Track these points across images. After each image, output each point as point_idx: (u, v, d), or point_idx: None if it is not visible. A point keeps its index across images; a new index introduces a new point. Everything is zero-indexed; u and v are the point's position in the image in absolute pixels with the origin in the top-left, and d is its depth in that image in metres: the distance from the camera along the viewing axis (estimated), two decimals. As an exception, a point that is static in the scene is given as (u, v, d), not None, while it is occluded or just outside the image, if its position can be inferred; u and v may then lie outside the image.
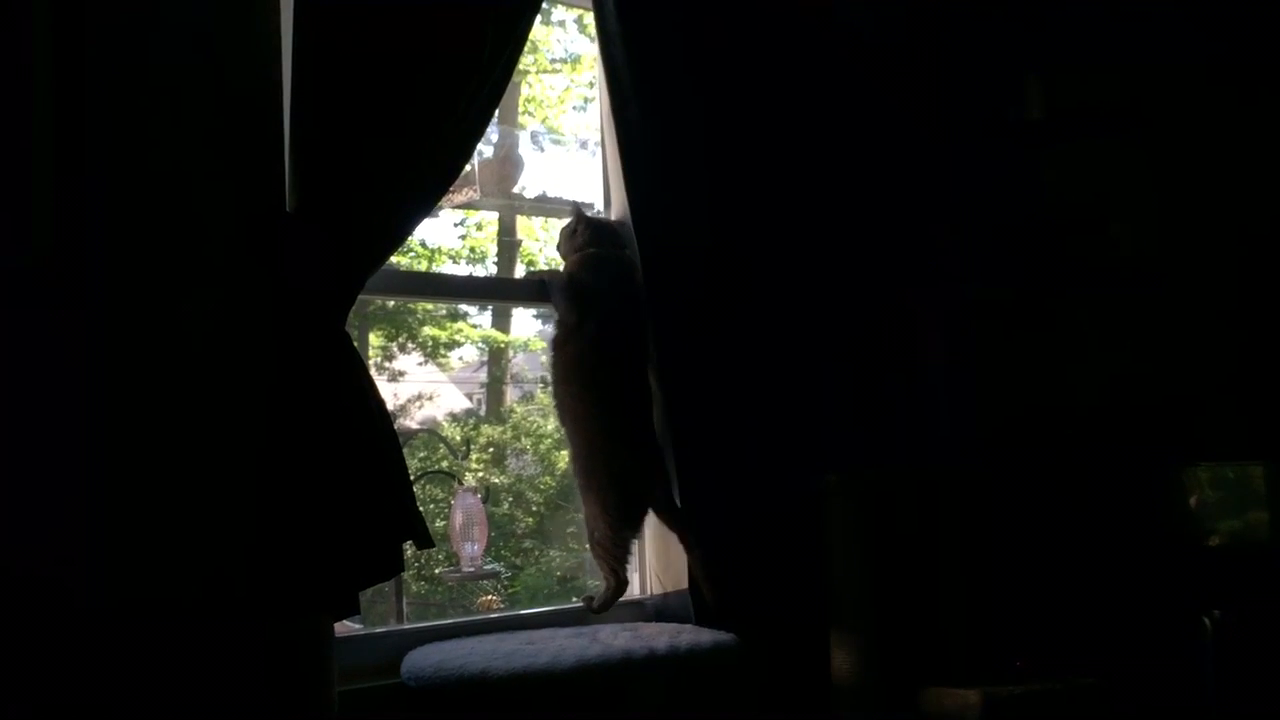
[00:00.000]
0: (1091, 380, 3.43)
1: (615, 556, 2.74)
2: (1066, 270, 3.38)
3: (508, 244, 4.01)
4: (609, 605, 2.77)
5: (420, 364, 4.34)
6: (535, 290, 2.92)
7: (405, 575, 2.54)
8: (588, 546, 2.80)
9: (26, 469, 1.99)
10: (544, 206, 3.00)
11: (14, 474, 1.97)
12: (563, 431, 2.80)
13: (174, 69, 2.19)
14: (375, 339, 4.04)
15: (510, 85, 2.61)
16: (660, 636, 2.48)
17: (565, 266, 2.82)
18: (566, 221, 2.87)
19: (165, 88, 2.18)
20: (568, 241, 2.84)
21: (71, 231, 2.04)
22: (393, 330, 4.18)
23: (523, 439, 4.13)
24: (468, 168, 2.65)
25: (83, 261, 2.06)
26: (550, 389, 2.80)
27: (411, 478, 2.37)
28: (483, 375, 4.61)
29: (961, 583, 2.81)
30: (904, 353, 3.35)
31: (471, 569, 2.75)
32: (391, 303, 3.85)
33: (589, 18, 2.94)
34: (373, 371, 2.35)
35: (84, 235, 2.06)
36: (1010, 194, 3.47)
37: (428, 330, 4.27)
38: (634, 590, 2.98)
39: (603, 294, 2.74)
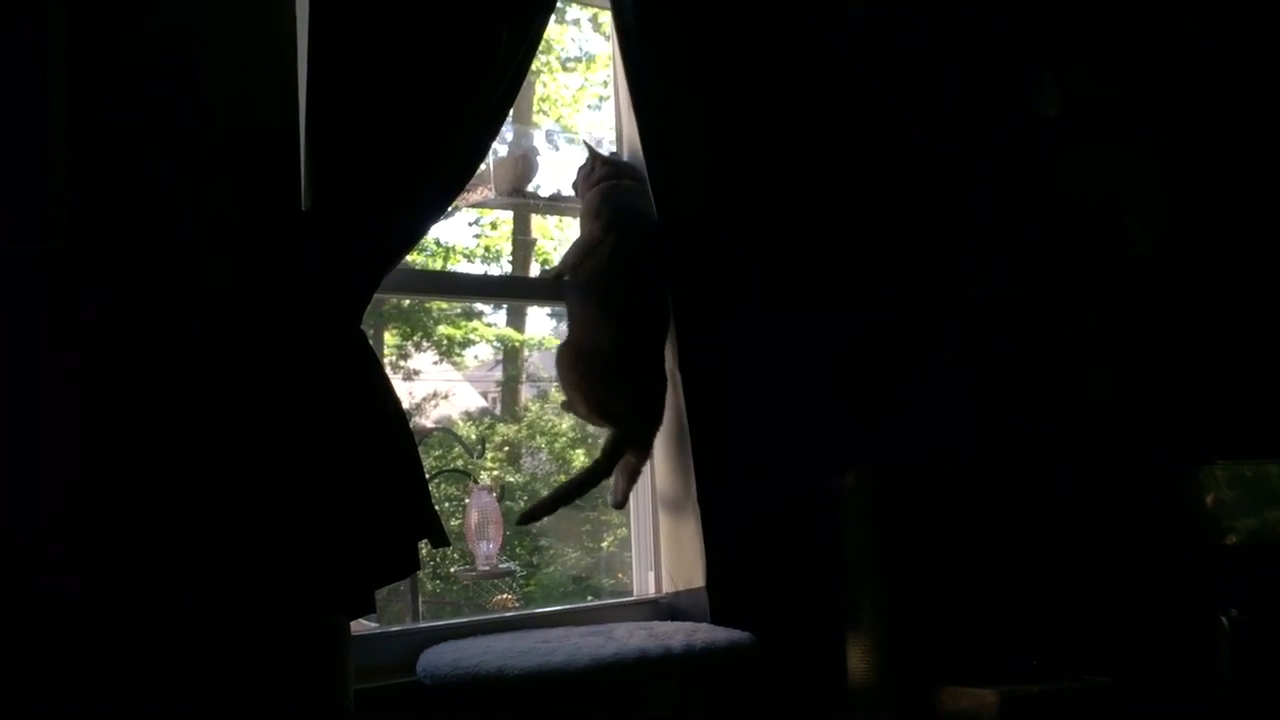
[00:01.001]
0: (1106, 380, 3.42)
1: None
2: (1080, 270, 3.36)
3: (522, 243, 4.01)
4: None
5: (435, 363, 4.35)
6: (550, 289, 2.92)
7: (420, 574, 2.55)
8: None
9: (38, 464, 2.00)
10: (558, 205, 3.00)
11: (25, 468, 1.98)
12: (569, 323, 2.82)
13: (190, 66, 2.20)
14: (390, 338, 4.04)
15: (525, 84, 2.61)
16: (675, 635, 2.48)
17: (585, 201, 2.84)
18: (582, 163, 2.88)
19: (181, 84, 2.19)
20: (585, 180, 2.85)
21: (87, 225, 2.05)
22: (408, 329, 4.18)
23: (538, 437, 4.13)
24: (482, 167, 2.65)
25: (98, 255, 2.07)
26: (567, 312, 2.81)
27: (427, 476, 2.38)
28: (498, 374, 4.61)
29: (977, 582, 2.80)
30: (918, 352, 3.34)
31: (487, 568, 2.75)
32: (407, 301, 3.85)
33: (604, 16, 2.94)
34: (388, 370, 2.35)
35: (99, 229, 2.07)
36: (1024, 193, 3.46)
37: (443, 329, 4.28)
38: (648, 589, 2.98)
39: (621, 216, 2.76)
